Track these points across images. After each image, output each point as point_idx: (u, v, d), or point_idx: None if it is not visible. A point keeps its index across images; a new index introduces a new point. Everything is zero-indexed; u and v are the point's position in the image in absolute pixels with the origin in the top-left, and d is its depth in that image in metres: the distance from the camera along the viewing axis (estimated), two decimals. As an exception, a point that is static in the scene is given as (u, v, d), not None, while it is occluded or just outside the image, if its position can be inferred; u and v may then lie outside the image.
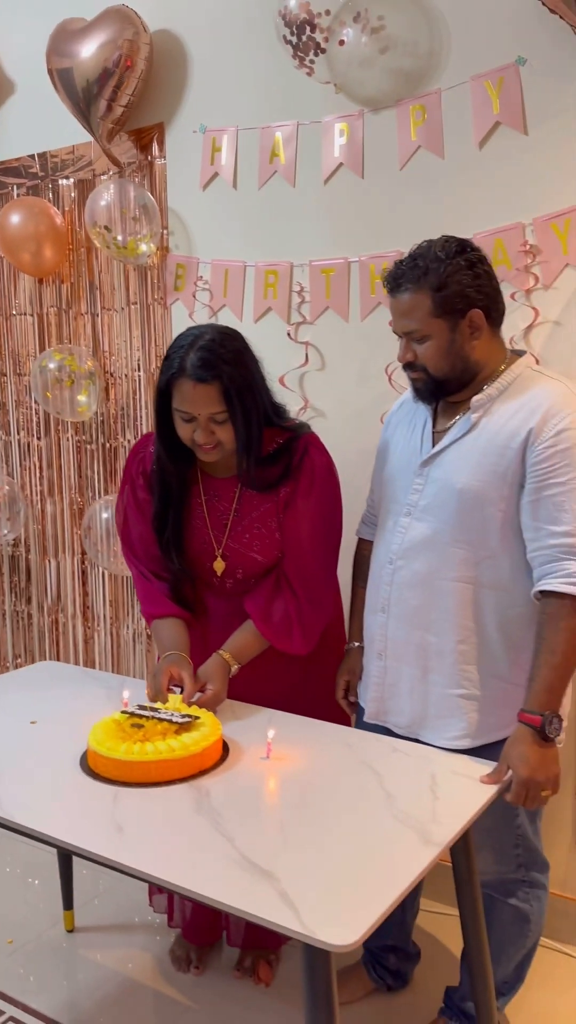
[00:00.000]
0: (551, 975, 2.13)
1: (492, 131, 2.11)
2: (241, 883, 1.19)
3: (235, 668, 1.83)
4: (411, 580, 1.67)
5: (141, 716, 1.58)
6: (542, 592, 1.52)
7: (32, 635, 3.25)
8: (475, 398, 1.62)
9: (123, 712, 1.61)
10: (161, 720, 1.56)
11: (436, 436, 1.69)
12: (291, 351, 2.47)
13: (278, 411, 1.86)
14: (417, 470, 1.68)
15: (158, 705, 1.65)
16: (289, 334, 2.48)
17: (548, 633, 1.50)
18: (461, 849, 1.52)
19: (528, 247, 2.06)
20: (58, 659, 3.18)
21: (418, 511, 1.67)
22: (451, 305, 1.56)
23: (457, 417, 1.65)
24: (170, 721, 1.55)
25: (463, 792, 1.47)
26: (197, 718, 1.59)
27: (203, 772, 1.51)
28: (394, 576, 1.70)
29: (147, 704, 1.65)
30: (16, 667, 3.28)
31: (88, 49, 2.54)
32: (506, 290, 2.10)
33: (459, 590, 1.62)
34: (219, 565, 1.88)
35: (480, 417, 1.61)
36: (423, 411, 1.74)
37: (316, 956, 1.13)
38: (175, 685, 1.77)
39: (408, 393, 1.77)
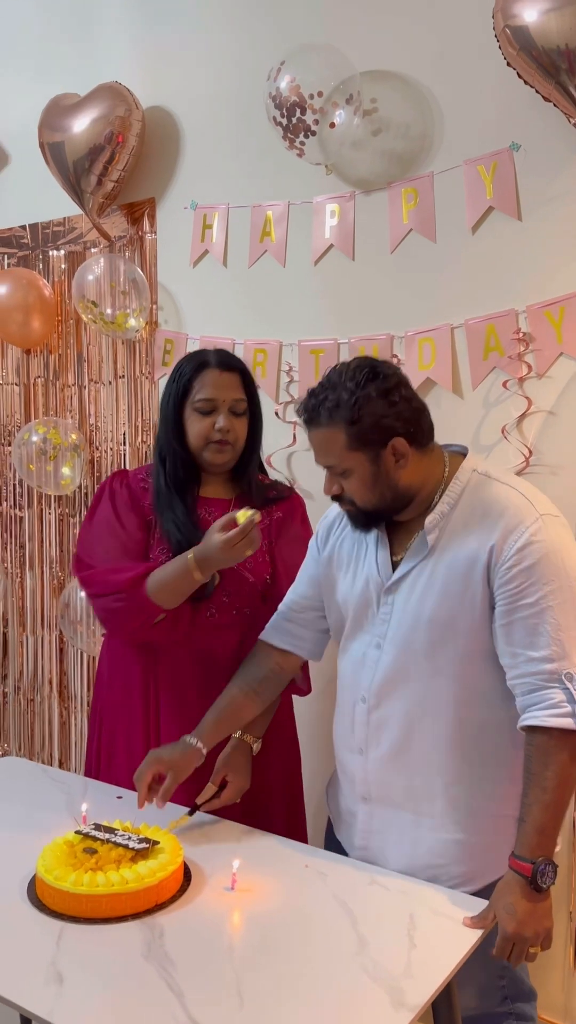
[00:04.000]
0: None
1: (485, 215, 2.05)
2: (186, 1058, 1.06)
3: (256, 746, 1.74)
4: (389, 720, 1.52)
5: (96, 839, 1.45)
6: (528, 726, 1.40)
7: (7, 714, 3.12)
8: (428, 519, 1.47)
9: (77, 832, 1.49)
10: (117, 845, 1.43)
11: (393, 561, 1.54)
12: (279, 430, 2.39)
13: (261, 466, 1.96)
14: (382, 597, 1.54)
15: (116, 824, 1.52)
16: (277, 413, 2.40)
17: (536, 768, 1.37)
18: (443, 999, 1.37)
19: (521, 335, 1.99)
20: (32, 741, 3.05)
21: (387, 643, 1.52)
22: (368, 437, 1.42)
23: (413, 538, 1.51)
24: (126, 847, 1.43)
25: (444, 937, 1.33)
26: (156, 843, 1.46)
27: (160, 906, 1.38)
28: (369, 716, 1.55)
29: (104, 823, 1.52)
30: (-10, 747, 3.14)
31: (80, 124, 2.52)
32: (499, 378, 2.04)
33: (441, 726, 1.48)
34: (215, 578, 1.79)
35: (437, 539, 1.47)
36: None
37: None
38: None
39: None
